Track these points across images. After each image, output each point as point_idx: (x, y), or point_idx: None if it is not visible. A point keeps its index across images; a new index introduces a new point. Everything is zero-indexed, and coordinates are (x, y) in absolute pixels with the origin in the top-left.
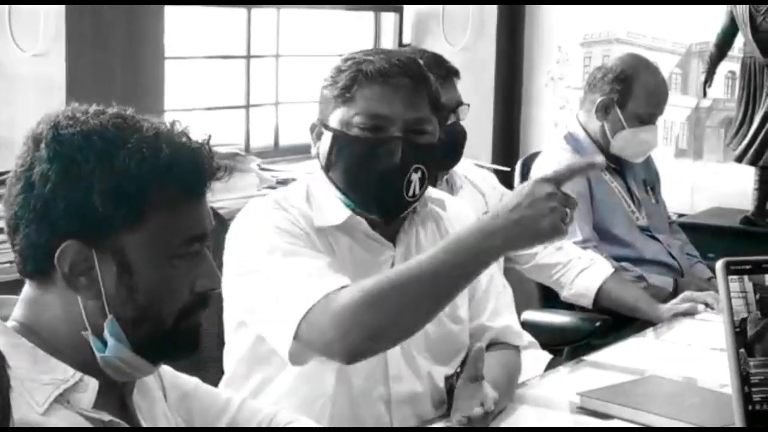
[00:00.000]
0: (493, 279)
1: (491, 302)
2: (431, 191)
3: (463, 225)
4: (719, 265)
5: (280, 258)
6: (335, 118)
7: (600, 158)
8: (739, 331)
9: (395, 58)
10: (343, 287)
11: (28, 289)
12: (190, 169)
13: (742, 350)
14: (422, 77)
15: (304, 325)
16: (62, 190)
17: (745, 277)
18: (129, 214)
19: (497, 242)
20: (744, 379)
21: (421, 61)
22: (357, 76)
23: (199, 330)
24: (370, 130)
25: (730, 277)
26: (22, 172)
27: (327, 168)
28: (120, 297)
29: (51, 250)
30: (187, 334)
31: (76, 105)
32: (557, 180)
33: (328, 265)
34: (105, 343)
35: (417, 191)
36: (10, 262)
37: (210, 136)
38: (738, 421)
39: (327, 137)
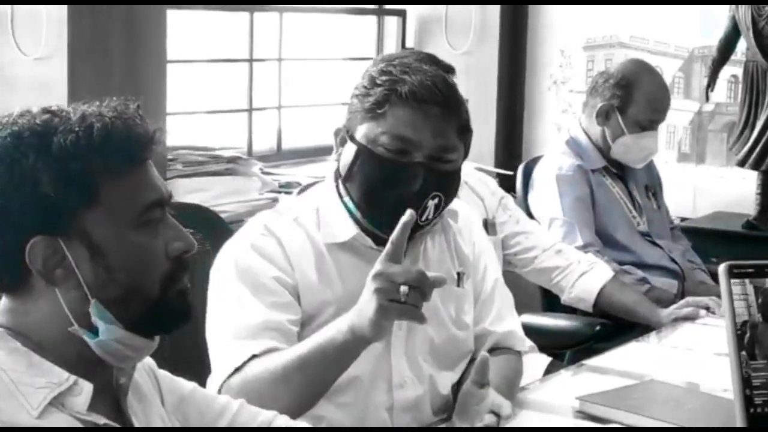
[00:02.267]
0: (497, 282)
1: (495, 306)
2: None
3: (471, 235)
4: (722, 268)
5: (229, 302)
6: (362, 131)
7: None
8: (740, 334)
9: (430, 80)
10: (254, 356)
11: (6, 300)
12: (126, 136)
13: (743, 353)
14: (454, 104)
15: (224, 389)
16: (11, 190)
17: (747, 281)
18: (81, 195)
19: (350, 337)
20: (745, 382)
21: (454, 82)
22: (390, 96)
23: (187, 294)
24: (395, 152)
25: (732, 280)
26: None
27: (345, 178)
28: (99, 279)
29: (19, 253)
30: (176, 301)
31: None
32: (388, 256)
33: (270, 312)
34: (96, 332)
35: (431, 216)
36: None
37: (138, 104)
38: (740, 425)
39: (351, 148)
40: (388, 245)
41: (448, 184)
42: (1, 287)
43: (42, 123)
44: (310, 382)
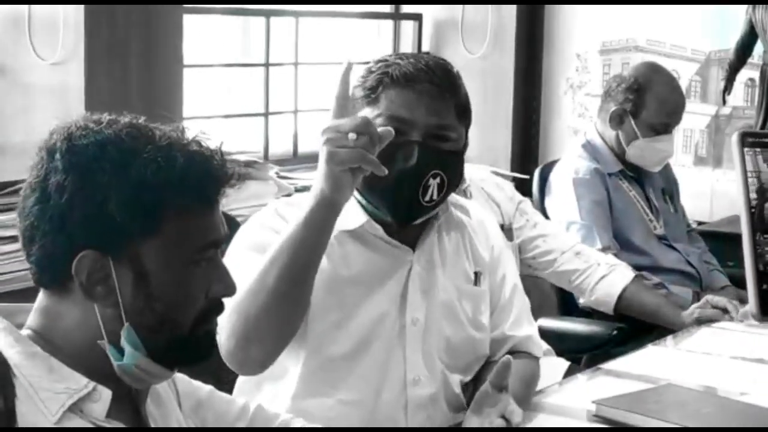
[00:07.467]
0: (516, 288)
1: (514, 312)
2: (454, 197)
3: (488, 238)
4: (735, 137)
5: (236, 268)
6: None
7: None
8: (753, 211)
9: (424, 63)
10: None
11: (42, 298)
12: (204, 176)
13: (758, 234)
14: (449, 84)
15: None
16: (79, 200)
17: (760, 157)
18: (146, 223)
19: (314, 203)
20: (759, 257)
21: (454, 69)
22: (383, 79)
23: (215, 335)
24: None
25: (745, 149)
26: (37, 183)
27: None
28: (137, 305)
29: (68, 260)
30: (203, 339)
31: (88, 114)
32: (334, 114)
33: None
34: (121, 352)
35: (435, 197)
36: (23, 270)
37: (222, 143)
38: (753, 302)
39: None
40: (333, 102)
41: (449, 163)
42: (41, 283)
43: (128, 140)
44: (289, 265)
